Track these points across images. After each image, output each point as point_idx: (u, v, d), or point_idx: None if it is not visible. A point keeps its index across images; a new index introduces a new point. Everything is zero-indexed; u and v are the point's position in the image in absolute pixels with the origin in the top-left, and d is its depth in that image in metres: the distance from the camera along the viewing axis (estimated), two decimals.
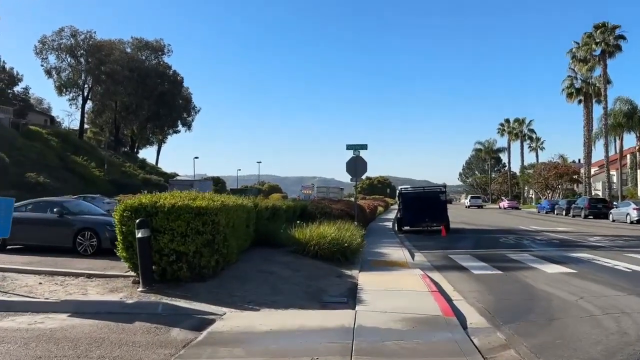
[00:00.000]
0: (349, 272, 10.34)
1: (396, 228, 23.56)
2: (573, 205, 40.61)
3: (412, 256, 14.11)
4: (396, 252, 14.61)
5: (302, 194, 57.60)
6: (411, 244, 17.70)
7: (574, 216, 39.49)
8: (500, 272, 11.11)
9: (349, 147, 17.48)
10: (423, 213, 20.71)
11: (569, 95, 52.74)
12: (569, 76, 52.99)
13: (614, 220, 32.19)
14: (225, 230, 8.52)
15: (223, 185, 61.01)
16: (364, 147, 17.51)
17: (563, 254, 14.01)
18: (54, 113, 79.49)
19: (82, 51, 58.80)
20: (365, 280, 9.45)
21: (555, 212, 45.52)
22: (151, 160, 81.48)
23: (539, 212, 51.70)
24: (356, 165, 17.29)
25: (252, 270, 9.30)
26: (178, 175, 70.09)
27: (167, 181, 50.29)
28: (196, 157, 74.83)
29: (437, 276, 10.62)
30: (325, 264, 10.93)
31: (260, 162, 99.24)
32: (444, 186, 23.08)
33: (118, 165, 61.05)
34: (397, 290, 8.58)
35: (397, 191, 70.29)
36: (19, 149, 46.50)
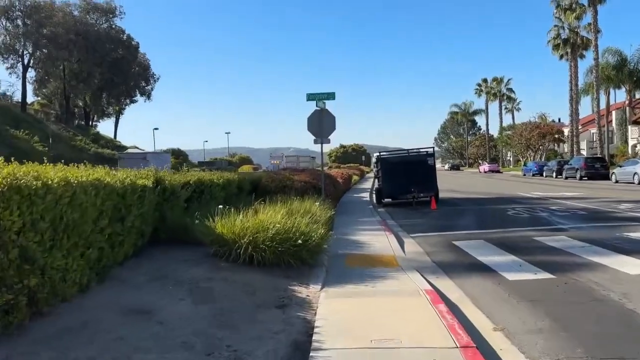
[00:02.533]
0: (302, 293, 5.90)
1: (375, 201, 19.86)
2: (566, 166, 36.93)
3: (402, 245, 9.79)
4: (378, 239, 10.32)
5: (271, 164, 52.98)
6: (396, 222, 13.49)
7: (566, 178, 35.88)
8: (549, 274, 6.85)
9: (310, 97, 12.93)
10: (408, 182, 17.17)
11: (555, 47, 48.65)
12: (555, 26, 48.79)
13: (617, 181, 28.49)
14: (27, 238, 3.94)
15: (185, 158, 55.85)
16: (331, 96, 13.01)
17: (615, 235, 9.82)
18: (2, 86, 72.51)
19: (18, 13, 52.05)
20: (330, 314, 5.03)
21: (544, 175, 41.92)
22: (109, 133, 75.43)
23: (524, 174, 48.12)
24: (321, 121, 12.86)
25: (111, 310, 4.74)
26: (137, 148, 64.51)
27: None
28: (156, 129, 68.88)
29: (451, 289, 6.29)
30: (264, 275, 6.44)
31: (229, 132, 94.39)
32: (432, 149, 18.77)
33: (67, 139, 55.18)
34: (393, 349, 4.11)
35: (374, 158, 66.37)
36: None
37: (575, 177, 34.05)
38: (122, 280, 5.71)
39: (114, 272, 5.85)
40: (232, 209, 7.92)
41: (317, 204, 10.70)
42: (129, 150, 47.23)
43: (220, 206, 7.65)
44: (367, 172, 67.45)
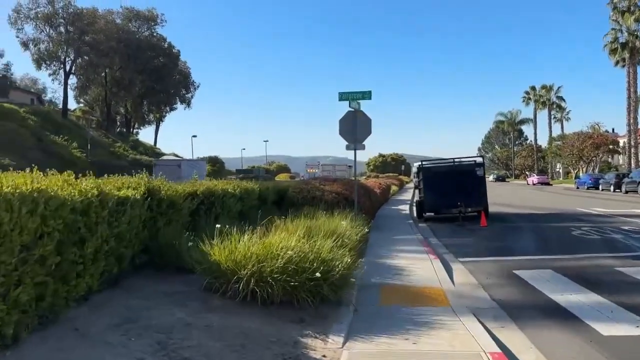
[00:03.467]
0: (316, 350, 4.29)
1: (415, 215, 18.26)
2: (626, 180, 33.89)
3: (450, 273, 8.02)
4: (420, 263, 8.61)
5: (307, 173, 51.58)
6: (440, 242, 11.75)
7: (626, 192, 32.88)
8: None
9: (342, 96, 11.31)
10: (453, 194, 15.63)
11: (612, 52, 45.45)
12: (612, 29, 45.61)
13: None
14: None
15: (222, 166, 55.02)
16: (367, 95, 11.37)
17: None
18: (49, 94, 74.07)
19: (61, 20, 52.77)
20: None
21: (601, 188, 38.81)
22: (149, 140, 75.96)
23: (577, 187, 44.94)
24: (354, 123, 11.23)
25: None
26: (176, 155, 64.45)
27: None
28: (194, 136, 68.75)
29: (525, 348, 4.59)
30: (267, 319, 4.85)
31: (267, 140, 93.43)
32: (482, 158, 16.92)
33: (106, 145, 55.45)
34: None
35: (414, 167, 64.09)
36: None
37: (637, 192, 31.07)
38: (73, 328, 4.19)
39: (65, 315, 4.34)
40: (244, 226, 6.38)
41: (346, 221, 9.05)
42: (164, 158, 46.74)
43: (218, 226, 6.05)
44: (407, 183, 65.49)
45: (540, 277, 7.51)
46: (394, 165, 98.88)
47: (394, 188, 36.94)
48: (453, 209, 15.81)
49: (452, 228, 14.42)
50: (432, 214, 17.05)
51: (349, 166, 60.09)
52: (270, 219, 7.90)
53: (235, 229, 6.06)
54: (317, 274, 5.26)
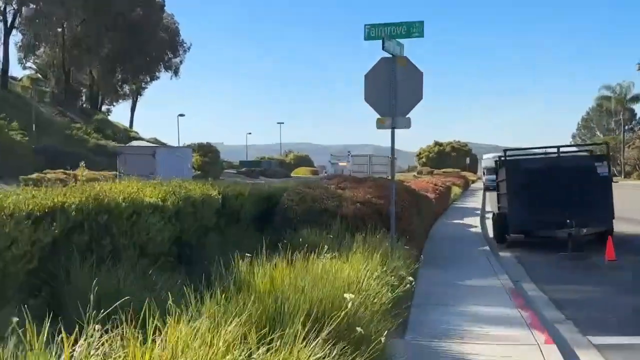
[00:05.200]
0: None
1: (492, 235, 17.23)
2: None
3: None
4: (516, 355, 5.82)
5: (330, 166, 48.80)
6: (545, 293, 9.46)
7: None
8: None
9: (372, 32, 8.68)
10: (559, 205, 14.42)
11: None
12: None
13: None
14: None
15: (216, 156, 52.55)
16: (415, 30, 8.77)
17: None
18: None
19: None
20: None
21: None
22: (124, 121, 74.64)
23: None
24: (393, 80, 8.79)
25: None
26: (160, 142, 62.71)
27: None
28: (181, 115, 66.56)
29: None
30: None
31: (283, 123, 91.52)
32: (606, 146, 15.20)
33: (61, 127, 53.68)
34: None
35: (486, 160, 60.69)
36: None
37: None
38: None
39: None
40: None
41: (372, 264, 6.32)
42: (134, 144, 44.54)
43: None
44: (473, 182, 63.42)
45: None
46: (454, 157, 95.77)
47: (455, 190, 35.34)
48: (557, 228, 14.37)
49: (556, 262, 12.87)
50: (521, 235, 15.91)
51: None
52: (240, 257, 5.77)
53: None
54: None
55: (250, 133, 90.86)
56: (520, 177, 15.54)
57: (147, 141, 58.59)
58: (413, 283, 7.23)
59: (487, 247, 14.71)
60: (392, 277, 6.75)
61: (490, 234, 17.78)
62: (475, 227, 19.71)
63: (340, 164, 47.53)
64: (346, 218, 10.01)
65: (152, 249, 6.41)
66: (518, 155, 16.88)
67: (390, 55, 8.85)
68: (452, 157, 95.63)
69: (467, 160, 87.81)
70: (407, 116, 9.10)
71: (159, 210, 6.65)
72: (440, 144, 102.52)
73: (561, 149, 15.58)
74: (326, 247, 7.17)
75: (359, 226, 9.60)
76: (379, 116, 9.14)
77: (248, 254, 5.92)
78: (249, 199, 9.82)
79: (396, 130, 9.41)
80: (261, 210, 10.51)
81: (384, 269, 6.90)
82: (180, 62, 73.00)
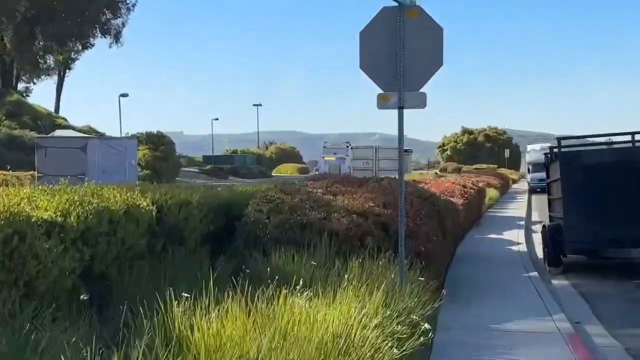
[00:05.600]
0: None
1: (544, 255, 17.11)
2: None
3: None
4: None
5: (324, 162, 48.55)
6: (619, 343, 9.23)
7: None
8: None
9: None
10: (635, 214, 14.63)
11: None
12: None
13: None
14: None
15: (169, 149, 52.17)
16: None
17: None
18: None
19: None
20: None
21: None
22: (48, 104, 74.40)
23: None
24: (401, 41, 8.88)
25: None
26: (96, 131, 62.28)
27: None
28: (124, 95, 65.99)
29: None
30: None
31: (260, 105, 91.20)
32: None
33: None
34: None
35: (532, 153, 60.79)
36: None
37: None
38: None
39: None
40: None
41: (366, 309, 6.06)
42: (58, 134, 44.19)
43: None
44: (514, 181, 64.61)
45: None
46: (489, 149, 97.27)
47: (491, 193, 35.74)
48: (632, 247, 15.05)
49: (632, 295, 12.75)
50: (583, 255, 16.18)
51: (407, 151, 55.56)
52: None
53: None
54: None
55: (217, 119, 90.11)
56: (581, 175, 15.45)
57: (79, 130, 58.18)
58: (430, 333, 6.87)
59: (535, 273, 14.65)
60: (400, 325, 6.60)
61: (540, 253, 17.65)
62: (519, 244, 19.61)
63: (337, 158, 47.37)
64: (337, 235, 9.76)
65: (44, 287, 5.88)
66: (576, 145, 16.87)
67: (397, 3, 8.64)
68: (485, 149, 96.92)
69: (507, 152, 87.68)
70: (421, 90, 8.84)
71: (57, 229, 6.12)
72: (471, 132, 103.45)
73: (637, 137, 15.53)
74: (305, 280, 7.10)
75: (355, 247, 9.56)
76: (380, 91, 8.85)
77: (186, 294, 5.65)
78: (199, 210, 9.29)
79: (406, 112, 9.08)
80: (218, 226, 10.21)
81: (388, 311, 6.70)
82: (123, 24, 72.40)
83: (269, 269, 7.47)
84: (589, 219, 15.04)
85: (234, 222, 10.48)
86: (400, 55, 8.63)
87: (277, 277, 6.73)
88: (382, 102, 8.78)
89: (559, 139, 16.11)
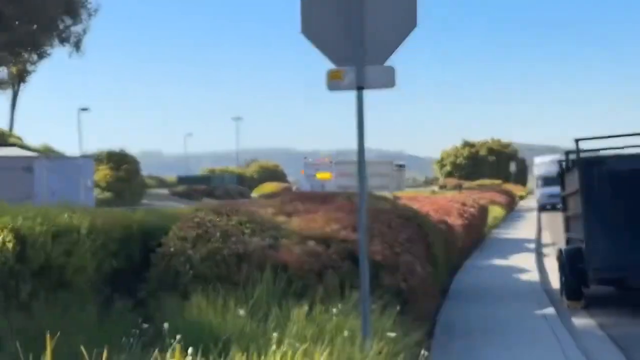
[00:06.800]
0: None
1: (560, 286, 15.94)
2: None
3: None
4: None
5: (305, 180, 47.53)
6: None
7: None
8: None
9: None
10: None
11: None
12: None
13: None
14: None
15: (134, 169, 51.46)
16: None
17: None
18: None
19: None
20: None
21: None
22: (2, 120, 73.62)
23: None
24: None
25: None
26: (52, 151, 61.35)
27: None
28: (84, 109, 65.26)
29: None
30: None
31: (240, 118, 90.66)
32: None
33: None
34: None
35: (540, 166, 60.65)
36: None
37: None
38: None
39: None
40: None
41: None
42: (1, 153, 43.58)
43: None
44: (522, 197, 65.51)
45: None
46: (492, 163, 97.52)
47: (495, 212, 35.16)
48: None
49: None
50: (610, 286, 14.95)
51: (399, 165, 54.76)
52: None
53: None
54: None
55: (191, 134, 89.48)
56: (607, 185, 14.14)
57: (34, 150, 57.14)
58: None
59: (551, 309, 13.57)
60: None
61: (554, 283, 16.52)
62: (529, 271, 18.66)
63: (319, 175, 46.27)
64: (286, 270, 8.22)
65: None
66: (596, 151, 15.60)
67: None
68: (488, 164, 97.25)
69: (512, 166, 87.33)
70: (387, 64, 7.22)
71: None
72: (472, 145, 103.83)
73: None
74: (232, 336, 6.15)
75: (312, 284, 8.23)
76: (332, 66, 7.28)
77: None
78: (93, 240, 7.44)
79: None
80: (129, 260, 8.53)
81: None
82: (84, 31, 71.53)
83: (183, 322, 6.45)
84: (617, 239, 13.82)
85: (153, 248, 8.85)
86: (357, 14, 7.09)
87: (187, 335, 5.49)
88: (334, 82, 7.14)
89: (578, 140, 14.58)
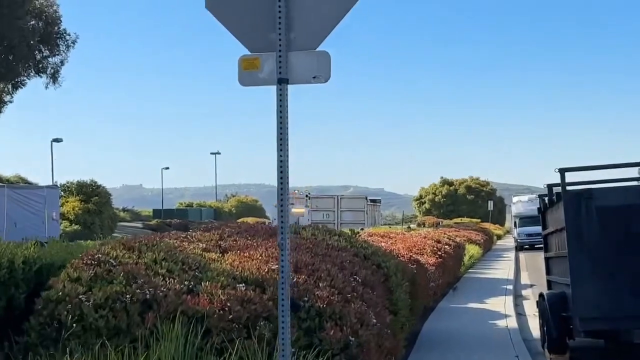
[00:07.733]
0: None
1: (542, 337, 14.73)
2: None
3: None
4: None
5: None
6: None
7: None
8: None
9: None
10: None
11: None
12: None
13: None
14: None
15: (104, 200, 50.27)
16: None
17: None
18: None
19: None
20: None
21: None
22: None
23: None
24: None
25: None
26: (27, 182, 60.38)
27: None
28: (57, 140, 64.04)
29: None
30: None
31: (219, 153, 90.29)
32: None
33: None
34: None
35: (514, 205, 61.30)
36: None
37: None
38: None
39: None
40: None
41: None
42: None
43: None
44: (499, 237, 65.75)
45: None
46: (471, 201, 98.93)
47: (472, 250, 34.21)
48: None
49: None
50: (599, 339, 13.66)
51: (374, 201, 54.23)
52: None
53: None
54: None
55: (167, 168, 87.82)
56: (595, 222, 12.76)
57: (5, 180, 55.93)
58: None
59: None
60: None
61: (535, 331, 15.20)
62: (507, 316, 17.35)
63: (294, 210, 45.20)
64: (203, 321, 6.55)
65: None
66: (586, 182, 14.22)
67: None
68: (467, 202, 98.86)
69: (490, 204, 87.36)
70: (319, 49, 5.56)
71: None
72: (451, 183, 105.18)
73: None
74: None
75: (239, 338, 6.64)
76: (246, 51, 5.67)
77: None
78: None
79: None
80: (7, 305, 6.77)
81: None
82: (62, 62, 70.27)
83: None
84: (608, 284, 12.50)
85: (36, 293, 6.99)
86: None
87: None
88: (249, 73, 5.50)
89: (562, 170, 13.29)
